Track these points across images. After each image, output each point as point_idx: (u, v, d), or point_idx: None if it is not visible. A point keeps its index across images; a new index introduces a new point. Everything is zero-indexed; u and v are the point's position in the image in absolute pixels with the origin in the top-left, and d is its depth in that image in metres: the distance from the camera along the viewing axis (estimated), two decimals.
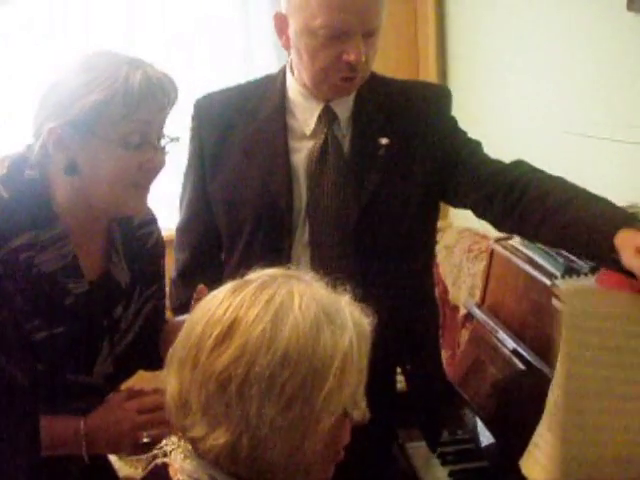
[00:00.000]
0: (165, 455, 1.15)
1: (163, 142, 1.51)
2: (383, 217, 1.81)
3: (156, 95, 1.45)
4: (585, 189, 1.65)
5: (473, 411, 1.92)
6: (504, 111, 3.00)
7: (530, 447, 1.55)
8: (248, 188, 1.82)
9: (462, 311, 2.83)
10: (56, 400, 1.48)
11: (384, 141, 1.80)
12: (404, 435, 1.95)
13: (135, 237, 1.64)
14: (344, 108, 1.82)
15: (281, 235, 1.81)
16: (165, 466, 1.14)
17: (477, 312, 2.04)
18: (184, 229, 1.97)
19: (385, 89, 1.87)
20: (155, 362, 1.68)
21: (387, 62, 3.67)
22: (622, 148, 2.20)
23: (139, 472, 2.71)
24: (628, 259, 1.39)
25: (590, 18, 2.38)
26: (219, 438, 1.05)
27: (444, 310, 3.17)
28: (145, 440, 1.48)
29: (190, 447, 1.11)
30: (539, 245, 1.81)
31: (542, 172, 1.74)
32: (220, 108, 1.89)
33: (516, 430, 1.68)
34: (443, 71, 3.57)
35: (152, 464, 1.18)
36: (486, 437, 1.83)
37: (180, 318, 1.67)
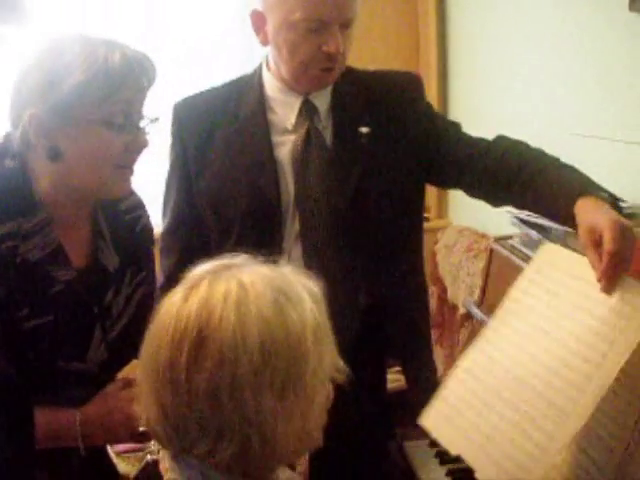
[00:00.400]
0: (158, 452, 1.17)
1: (143, 123, 1.49)
2: (371, 205, 1.84)
3: (136, 74, 1.44)
4: (557, 159, 1.73)
5: None
6: (507, 113, 3.00)
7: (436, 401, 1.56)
8: (235, 186, 1.84)
9: (461, 310, 2.83)
10: (50, 388, 1.48)
11: (365, 130, 1.84)
12: (402, 433, 1.95)
13: (123, 222, 1.63)
14: (323, 100, 1.86)
15: (271, 230, 1.83)
16: (156, 463, 1.17)
17: (476, 311, 2.04)
18: (170, 233, 1.97)
19: (360, 80, 1.91)
20: None
21: (388, 63, 3.69)
22: (627, 148, 2.20)
23: (134, 470, 2.71)
24: (580, 234, 1.47)
25: (592, 18, 2.38)
26: (227, 448, 1.04)
27: (442, 309, 3.17)
28: (142, 429, 1.48)
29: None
30: (539, 245, 1.80)
31: (521, 144, 1.81)
32: (200, 110, 1.91)
33: None
34: (444, 72, 3.57)
35: (144, 461, 1.22)
36: None
37: None
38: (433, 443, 1.89)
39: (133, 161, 1.50)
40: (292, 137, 1.85)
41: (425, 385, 1.97)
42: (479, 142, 1.87)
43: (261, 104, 1.87)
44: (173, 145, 1.92)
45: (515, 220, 1.91)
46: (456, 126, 1.94)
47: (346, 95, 1.87)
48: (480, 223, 3.22)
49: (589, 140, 2.34)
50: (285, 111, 1.86)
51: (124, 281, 1.60)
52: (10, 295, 1.40)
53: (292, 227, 1.85)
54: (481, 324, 1.99)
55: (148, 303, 1.67)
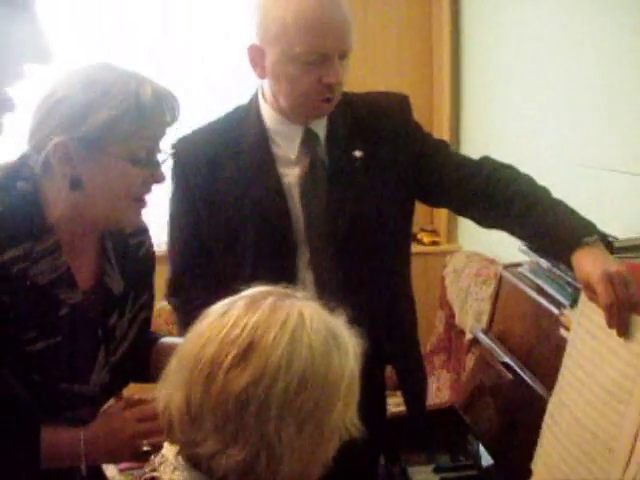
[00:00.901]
0: (154, 470, 1.15)
1: (160, 157, 1.51)
2: (368, 225, 1.87)
3: (164, 112, 1.45)
4: (547, 190, 1.78)
5: (476, 436, 1.91)
6: (516, 141, 3.01)
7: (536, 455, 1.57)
8: (247, 221, 1.85)
9: (468, 336, 2.82)
10: (52, 410, 1.47)
11: (358, 154, 1.86)
12: (407, 458, 1.95)
13: (128, 246, 1.63)
14: (321, 128, 1.88)
15: (285, 260, 1.86)
16: (154, 479, 1.15)
17: (483, 337, 2.04)
18: (180, 274, 1.99)
19: (351, 104, 1.92)
20: (144, 375, 1.68)
21: (402, 78, 3.71)
22: (634, 180, 2.20)
23: None
24: (582, 289, 1.57)
25: (604, 49, 2.39)
26: (235, 455, 1.06)
27: (450, 334, 3.16)
28: (145, 449, 1.48)
29: (180, 460, 1.12)
30: (548, 274, 1.81)
31: (508, 168, 1.87)
32: (201, 147, 1.90)
33: (518, 456, 1.68)
34: (457, 87, 3.59)
35: (142, 479, 1.18)
36: (488, 462, 1.83)
37: (172, 340, 1.69)
38: (438, 469, 1.90)
39: (148, 194, 1.51)
40: (296, 168, 1.87)
41: (416, 386, 2.04)
42: (467, 162, 1.92)
43: (263, 137, 1.87)
44: (178, 186, 1.91)
45: (524, 247, 1.90)
46: (445, 145, 1.99)
47: (339, 121, 1.89)
48: (489, 248, 3.22)
49: (602, 172, 2.34)
50: (287, 142, 1.87)
51: (127, 304, 1.61)
52: (19, 317, 1.40)
53: (304, 256, 1.87)
54: (488, 351, 1.99)
55: (147, 327, 1.68)
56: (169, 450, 1.16)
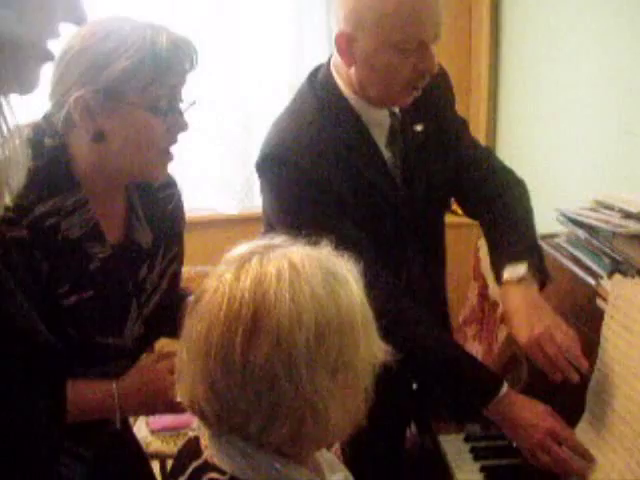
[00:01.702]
0: (199, 428, 1.16)
1: (183, 106, 1.51)
2: (436, 195, 1.93)
3: (181, 59, 1.45)
4: (528, 214, 1.88)
5: None
6: (559, 109, 2.96)
7: None
8: (362, 202, 1.83)
9: (501, 307, 2.80)
10: (86, 363, 1.50)
11: (419, 127, 1.89)
12: (437, 427, 1.94)
13: (156, 199, 1.64)
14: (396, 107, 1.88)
15: (395, 228, 1.89)
16: (197, 439, 1.16)
17: None
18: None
19: None
20: (174, 331, 1.69)
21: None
22: None
23: (170, 447, 2.74)
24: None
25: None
26: (281, 427, 1.05)
27: (483, 305, 3.14)
28: (179, 399, 1.50)
29: None
30: (585, 244, 1.79)
31: (508, 173, 2.03)
32: (317, 155, 1.80)
33: None
34: (495, 66, 3.54)
35: (186, 437, 1.21)
36: None
37: None
38: (468, 437, 1.89)
39: (173, 143, 1.51)
40: (389, 153, 1.87)
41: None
42: (476, 145, 2.03)
43: (363, 128, 1.84)
44: (322, 194, 1.79)
45: (562, 218, 1.88)
46: (466, 126, 2.05)
47: None
48: None
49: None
50: (378, 129, 1.85)
51: (157, 257, 1.62)
52: (52, 271, 1.41)
53: (404, 221, 1.89)
54: None
55: (177, 280, 1.69)
56: None
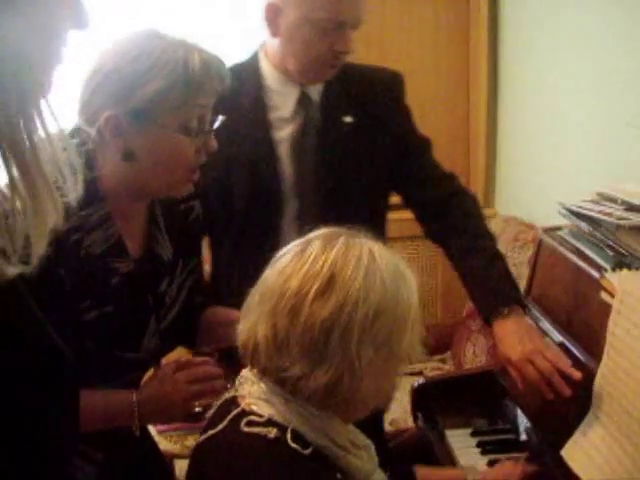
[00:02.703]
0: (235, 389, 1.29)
1: (212, 126, 1.52)
2: (351, 186, 1.97)
3: (213, 80, 1.45)
4: (491, 242, 1.97)
5: (514, 401, 1.91)
6: (562, 102, 2.96)
7: (576, 435, 1.54)
8: (239, 175, 1.89)
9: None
10: (102, 376, 1.50)
11: (348, 119, 1.96)
12: (444, 422, 1.95)
13: (177, 212, 1.65)
14: (316, 91, 1.96)
15: (271, 215, 1.94)
16: (234, 398, 1.27)
17: None
18: None
19: (347, 73, 1.98)
20: (192, 340, 1.70)
21: (438, 75, 3.68)
22: None
23: (177, 447, 2.74)
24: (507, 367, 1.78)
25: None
26: (321, 377, 1.18)
27: None
28: (197, 410, 1.51)
29: (258, 374, 1.26)
30: (589, 237, 1.79)
31: (470, 199, 2.06)
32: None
33: (557, 421, 1.67)
34: (496, 59, 3.54)
35: (222, 399, 1.31)
36: (526, 428, 1.82)
37: (220, 308, 1.71)
38: (475, 432, 1.90)
39: (201, 163, 1.52)
40: (289, 126, 1.94)
41: None
42: (438, 170, 2.10)
43: (260, 94, 1.93)
44: None
45: (564, 211, 1.88)
46: (427, 144, 2.11)
47: (335, 87, 1.97)
48: (527, 213, 3.19)
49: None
50: (283, 100, 1.94)
51: (177, 270, 1.62)
52: (74, 287, 1.41)
53: (290, 211, 1.96)
54: (526, 315, 1.97)
55: (195, 292, 1.69)
56: (248, 371, 1.28)
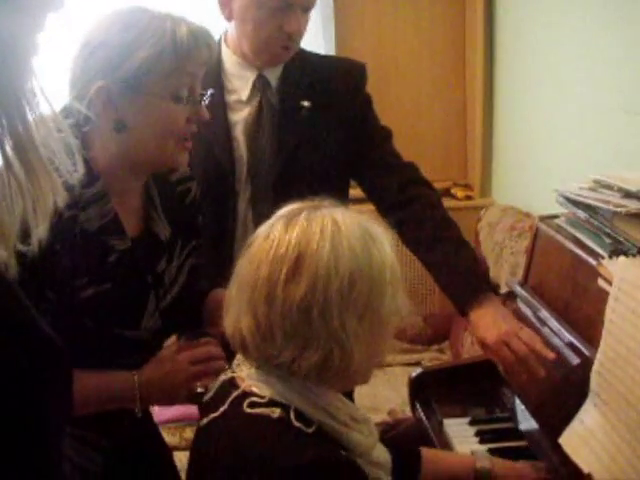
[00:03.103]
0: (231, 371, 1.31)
1: (202, 96, 1.54)
2: (306, 170, 2.02)
3: (201, 48, 1.47)
4: (456, 230, 1.98)
5: (512, 390, 1.91)
6: (558, 91, 2.95)
7: (574, 423, 1.54)
8: (195, 156, 1.89)
9: (503, 289, 2.80)
10: (104, 355, 1.51)
11: (306, 103, 2.02)
12: (442, 411, 1.95)
13: (174, 193, 1.67)
14: (274, 75, 2.03)
15: (227, 196, 2.00)
16: (232, 379, 1.30)
17: (519, 291, 2.02)
18: None
19: (308, 60, 2.08)
20: (197, 324, 1.70)
21: (434, 65, 3.67)
22: None
23: (176, 439, 2.74)
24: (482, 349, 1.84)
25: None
26: (311, 357, 1.19)
27: None
28: (199, 390, 1.52)
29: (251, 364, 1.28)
30: (585, 225, 1.78)
31: (429, 189, 2.09)
32: None
33: (555, 410, 1.67)
34: (492, 48, 3.53)
35: (218, 381, 1.33)
36: (525, 416, 1.82)
37: (224, 291, 1.71)
38: (473, 421, 1.90)
39: (192, 132, 1.54)
40: (246, 109, 2.01)
41: None
42: (398, 157, 2.11)
43: (218, 77, 2.00)
44: None
45: (561, 199, 1.87)
46: (387, 131, 2.13)
47: (294, 72, 2.04)
48: (524, 202, 3.18)
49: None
50: (240, 84, 2.01)
51: (175, 250, 1.64)
52: (70, 264, 1.42)
53: (245, 193, 2.01)
54: (524, 304, 1.97)
55: (196, 273, 1.70)
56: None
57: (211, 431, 1.27)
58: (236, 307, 1.25)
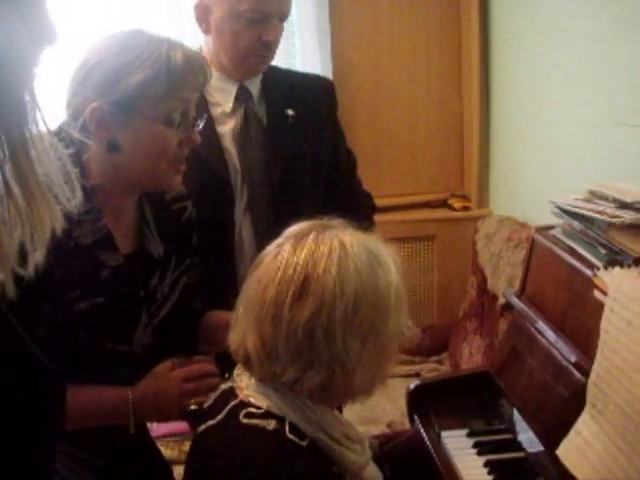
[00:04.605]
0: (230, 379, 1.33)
1: (194, 121, 1.56)
2: (298, 176, 2.09)
3: (196, 74, 1.50)
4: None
5: (510, 401, 1.90)
6: (554, 102, 2.96)
7: (571, 435, 1.54)
8: (191, 171, 1.91)
9: (501, 300, 2.81)
10: (97, 369, 1.52)
11: (290, 112, 2.09)
12: (440, 423, 1.95)
13: (169, 211, 1.68)
14: (255, 86, 2.09)
15: (223, 205, 2.02)
16: (232, 389, 1.31)
17: (516, 302, 2.02)
18: None
19: (283, 74, 2.17)
20: (191, 344, 1.70)
21: (430, 76, 3.68)
22: None
23: (174, 452, 2.74)
24: None
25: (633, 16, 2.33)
26: (314, 378, 1.21)
27: (482, 299, 3.15)
28: (192, 408, 1.52)
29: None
30: (581, 236, 1.79)
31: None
32: None
33: (553, 421, 1.67)
34: (487, 60, 3.54)
35: (219, 390, 1.35)
36: (523, 428, 1.82)
37: (220, 312, 1.72)
38: (471, 433, 1.89)
39: (184, 157, 1.56)
40: (232, 120, 2.05)
41: None
42: (355, 179, 2.27)
43: (201, 94, 2.00)
44: None
45: (557, 210, 1.88)
46: (353, 159, 2.29)
47: (273, 83, 2.11)
48: (521, 213, 3.19)
49: (633, 129, 2.30)
50: (223, 96, 2.06)
51: (169, 268, 1.64)
52: (64, 276, 1.43)
53: (241, 200, 2.04)
54: (521, 315, 1.97)
55: (191, 291, 1.70)
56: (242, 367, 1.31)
57: (208, 439, 1.28)
58: (243, 324, 1.26)
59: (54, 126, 1.50)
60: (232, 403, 1.27)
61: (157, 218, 1.64)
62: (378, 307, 1.22)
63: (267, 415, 1.23)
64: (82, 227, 1.46)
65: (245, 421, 1.23)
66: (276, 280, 1.22)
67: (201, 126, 1.57)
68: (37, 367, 0.78)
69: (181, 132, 1.51)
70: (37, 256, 0.77)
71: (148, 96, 1.44)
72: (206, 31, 2.00)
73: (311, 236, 1.25)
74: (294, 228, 1.29)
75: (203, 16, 1.98)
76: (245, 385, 1.29)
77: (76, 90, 1.46)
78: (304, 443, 1.22)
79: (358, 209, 2.18)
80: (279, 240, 1.28)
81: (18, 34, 0.71)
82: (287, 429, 1.21)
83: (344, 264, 1.21)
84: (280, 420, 1.23)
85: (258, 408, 1.24)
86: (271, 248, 1.28)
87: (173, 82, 1.45)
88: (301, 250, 1.23)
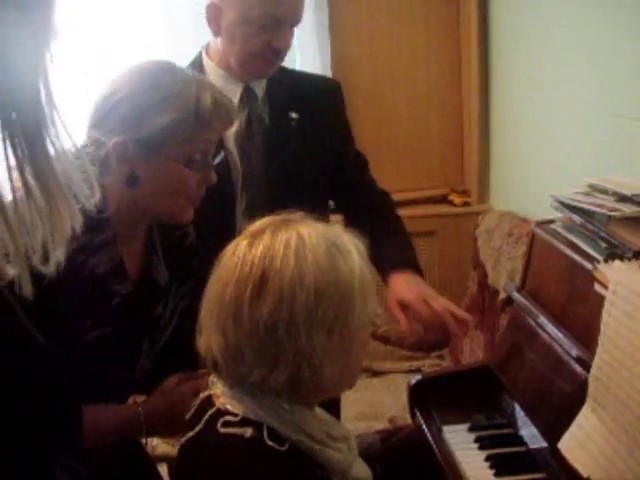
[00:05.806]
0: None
1: (214, 160, 1.58)
2: (300, 179, 2.05)
3: (222, 118, 1.50)
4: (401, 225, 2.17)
5: (511, 396, 1.90)
6: (553, 96, 2.96)
7: (572, 428, 1.54)
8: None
9: (502, 295, 2.81)
10: (98, 395, 1.51)
11: (294, 115, 2.06)
12: (442, 418, 1.94)
13: (173, 237, 1.68)
14: (260, 88, 2.06)
15: (224, 206, 2.00)
16: (209, 397, 1.29)
17: (517, 296, 2.02)
18: None
19: (288, 74, 2.13)
20: (194, 365, 1.70)
21: (429, 72, 3.68)
22: None
23: (175, 450, 2.73)
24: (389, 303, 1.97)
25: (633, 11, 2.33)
26: (281, 375, 1.18)
27: (483, 294, 3.15)
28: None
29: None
30: (581, 229, 1.79)
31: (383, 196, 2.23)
32: None
33: (555, 415, 1.67)
34: (487, 56, 3.54)
35: (198, 398, 1.33)
36: (524, 422, 1.82)
37: None
38: (472, 427, 1.89)
39: (201, 194, 1.57)
40: (235, 122, 2.01)
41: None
42: (367, 179, 2.23)
43: None
44: None
45: (557, 204, 1.87)
46: (363, 159, 2.24)
47: (279, 85, 2.07)
48: (521, 208, 3.19)
49: (630, 122, 2.30)
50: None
51: (171, 294, 1.64)
52: (77, 306, 1.43)
53: (241, 203, 2.02)
54: (522, 309, 1.97)
55: (189, 316, 1.70)
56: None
57: (189, 451, 1.27)
58: (207, 327, 1.23)
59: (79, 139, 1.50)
60: (209, 412, 1.25)
61: (164, 245, 1.64)
62: (341, 297, 1.19)
63: (244, 422, 1.21)
64: (97, 256, 1.46)
65: (223, 430, 1.21)
66: (234, 278, 1.19)
67: (217, 161, 1.58)
68: (37, 350, 0.78)
69: (200, 172, 1.52)
70: (58, 254, 0.77)
71: (173, 137, 1.44)
72: (216, 33, 1.98)
73: (267, 231, 1.22)
74: (253, 225, 1.27)
75: (214, 18, 1.96)
76: (221, 392, 1.27)
77: (100, 120, 1.46)
78: (284, 448, 1.19)
79: (380, 208, 2.18)
80: (237, 238, 1.26)
81: (22, 31, 0.71)
82: (265, 435, 1.19)
83: (302, 256, 1.18)
84: (258, 426, 1.20)
85: (235, 415, 1.22)
86: (229, 247, 1.26)
87: (200, 125, 1.46)
88: (257, 246, 1.20)
